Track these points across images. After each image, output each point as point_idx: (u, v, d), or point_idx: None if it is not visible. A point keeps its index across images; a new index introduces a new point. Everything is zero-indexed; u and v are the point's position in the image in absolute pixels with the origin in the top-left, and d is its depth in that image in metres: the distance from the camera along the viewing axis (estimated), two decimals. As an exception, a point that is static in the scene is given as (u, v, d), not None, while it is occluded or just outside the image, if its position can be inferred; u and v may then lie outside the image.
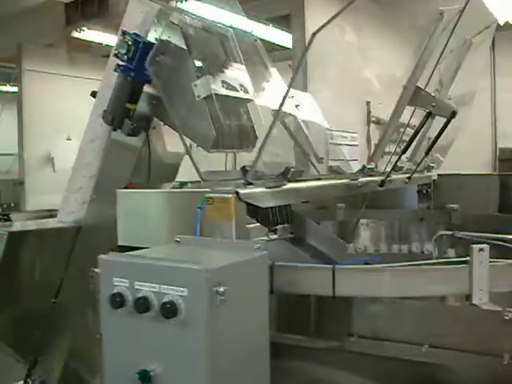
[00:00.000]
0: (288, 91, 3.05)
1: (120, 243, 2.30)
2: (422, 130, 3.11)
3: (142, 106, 3.58)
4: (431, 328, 1.94)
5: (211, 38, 3.82)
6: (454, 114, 3.14)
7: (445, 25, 2.69)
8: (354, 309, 2.04)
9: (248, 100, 3.56)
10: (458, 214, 3.98)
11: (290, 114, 3.08)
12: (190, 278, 1.56)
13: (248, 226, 1.98)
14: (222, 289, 1.55)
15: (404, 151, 2.87)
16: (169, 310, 1.57)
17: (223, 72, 3.59)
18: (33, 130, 8.15)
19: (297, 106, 3.14)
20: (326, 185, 2.65)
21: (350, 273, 1.96)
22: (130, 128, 3.62)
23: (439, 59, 3.07)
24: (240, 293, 1.67)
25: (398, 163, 3.30)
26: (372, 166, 3.55)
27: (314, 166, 2.99)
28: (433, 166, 4.19)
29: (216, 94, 3.37)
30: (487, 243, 2.35)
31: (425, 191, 4.20)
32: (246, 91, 3.56)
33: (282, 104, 3.20)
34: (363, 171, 3.51)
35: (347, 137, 6.39)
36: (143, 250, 1.87)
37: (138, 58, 3.52)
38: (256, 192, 2.02)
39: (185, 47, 3.49)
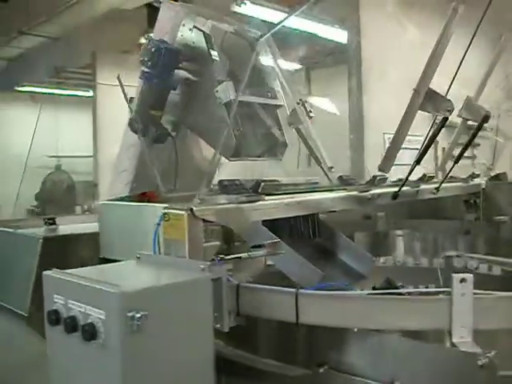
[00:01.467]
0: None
1: (101, 256, 2.26)
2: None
3: (169, 113, 3.59)
4: (402, 366, 1.72)
5: (240, 42, 3.73)
6: (486, 118, 2.84)
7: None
8: (328, 336, 1.86)
9: (277, 106, 3.43)
10: (507, 228, 3.61)
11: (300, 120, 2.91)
12: (106, 301, 1.47)
13: (205, 244, 1.87)
14: (138, 314, 1.45)
15: (418, 161, 2.62)
16: (88, 332, 1.49)
17: (251, 77, 3.49)
18: (106, 134, 8.46)
19: (309, 112, 2.97)
20: (313, 199, 2.45)
21: (314, 299, 1.78)
22: (154, 135, 3.63)
23: (462, 59, 2.80)
24: (169, 316, 1.56)
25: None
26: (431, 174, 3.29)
27: (326, 174, 2.81)
28: (478, 174, 3.82)
29: (238, 101, 3.29)
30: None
31: (472, 201, 3.84)
32: (275, 97, 3.44)
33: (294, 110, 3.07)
34: (423, 179, 3.26)
35: (411, 140, 6.07)
36: (88, 268, 1.82)
37: (161, 65, 3.51)
38: (216, 208, 1.90)
39: (210, 52, 3.44)
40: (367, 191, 2.65)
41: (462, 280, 1.65)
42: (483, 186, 3.85)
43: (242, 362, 1.98)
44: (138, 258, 1.91)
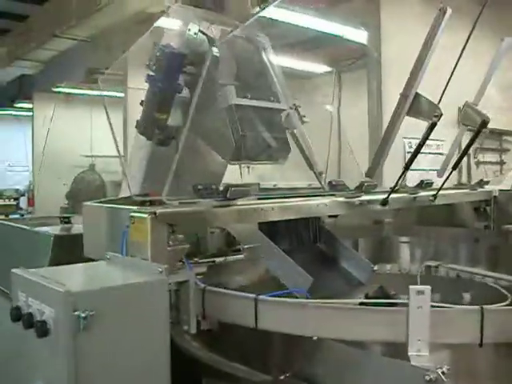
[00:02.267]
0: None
1: (85, 255, 2.32)
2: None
3: (174, 116, 3.63)
4: (358, 377, 1.70)
5: (246, 47, 3.74)
6: (484, 124, 2.77)
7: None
8: (289, 343, 1.85)
9: (280, 110, 3.43)
10: (516, 237, 3.50)
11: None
12: (55, 300, 1.51)
13: (169, 248, 1.89)
14: (84, 314, 1.48)
15: (407, 167, 2.57)
16: (41, 329, 1.53)
17: (255, 81, 3.50)
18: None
19: (303, 117, 2.95)
20: (293, 205, 2.43)
21: (272, 305, 1.78)
22: (158, 138, 3.69)
23: (457, 63, 2.73)
24: (122, 317, 1.59)
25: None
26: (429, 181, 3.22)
27: (318, 179, 2.79)
28: (487, 181, 3.72)
29: (239, 105, 3.30)
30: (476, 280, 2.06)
31: (482, 209, 3.73)
32: (278, 100, 3.43)
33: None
34: (421, 185, 3.20)
35: (431, 145, 5.93)
36: (56, 267, 1.88)
37: (165, 69, 3.56)
38: (180, 212, 1.91)
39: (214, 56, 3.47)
40: (356, 197, 2.62)
41: (419, 292, 1.61)
42: (495, 194, 3.74)
43: (212, 364, 1.99)
44: (108, 258, 1.95)
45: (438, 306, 1.66)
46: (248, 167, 6.24)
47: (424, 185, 3.05)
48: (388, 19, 5.61)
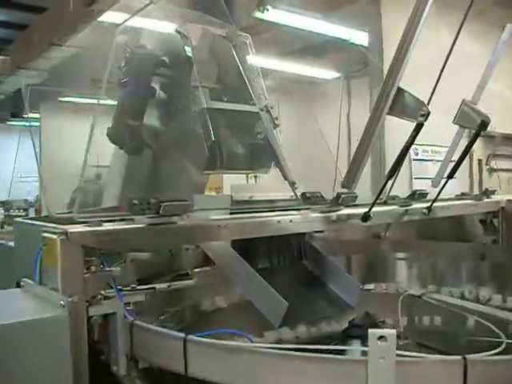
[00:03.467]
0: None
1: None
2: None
3: (147, 122, 3.35)
4: None
5: (223, 48, 3.43)
6: (484, 125, 2.42)
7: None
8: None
9: (257, 113, 3.11)
10: (526, 254, 3.11)
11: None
12: None
13: (86, 274, 1.57)
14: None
15: (390, 176, 2.22)
16: None
17: (234, 83, 3.20)
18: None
19: (275, 119, 2.63)
20: (246, 222, 2.09)
21: (204, 348, 1.44)
22: (130, 146, 3.41)
23: (447, 58, 2.39)
24: (13, 361, 1.28)
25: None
26: (423, 191, 2.87)
27: (293, 190, 2.46)
28: (494, 191, 3.34)
29: (212, 109, 3.01)
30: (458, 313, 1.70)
31: (489, 221, 3.35)
32: (254, 104, 3.12)
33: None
34: (413, 197, 2.86)
35: (439, 151, 5.54)
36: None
37: (136, 71, 3.29)
38: (99, 231, 1.59)
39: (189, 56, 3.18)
40: (333, 211, 2.28)
41: (381, 338, 1.27)
42: (503, 205, 3.36)
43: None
44: (22, 286, 1.65)
45: (406, 356, 1.29)
46: (255, 176, 5.93)
47: (417, 196, 2.69)
48: (390, 22, 5.26)
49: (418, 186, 4.61)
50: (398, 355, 1.25)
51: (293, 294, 2.66)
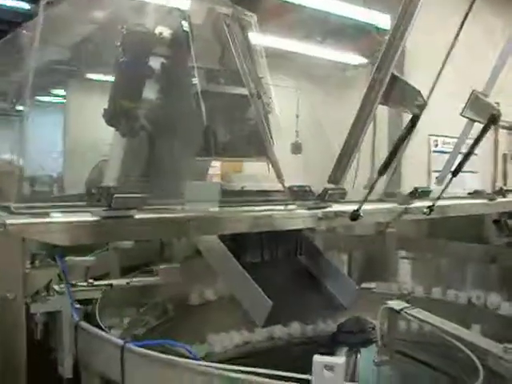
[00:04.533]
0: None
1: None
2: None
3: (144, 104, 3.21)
4: None
5: (230, 26, 3.26)
6: (494, 119, 2.21)
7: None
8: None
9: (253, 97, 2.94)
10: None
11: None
12: None
13: (27, 270, 1.44)
14: None
15: (381, 172, 2.03)
16: None
17: (235, 65, 3.03)
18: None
19: (268, 105, 2.44)
20: (218, 217, 1.91)
21: (141, 358, 1.30)
22: (125, 128, 3.28)
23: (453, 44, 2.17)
24: None
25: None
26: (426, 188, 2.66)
27: (281, 183, 2.27)
28: (510, 190, 3.09)
29: (208, 92, 2.85)
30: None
31: (503, 222, 3.12)
32: (250, 86, 2.94)
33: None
34: (415, 194, 2.65)
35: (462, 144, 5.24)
36: None
37: (132, 51, 3.15)
38: (43, 223, 1.45)
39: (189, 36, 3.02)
40: (320, 208, 2.10)
41: (328, 367, 1.10)
42: (518, 205, 3.12)
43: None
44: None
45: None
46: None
47: (419, 193, 2.48)
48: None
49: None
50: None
51: (284, 291, 2.52)
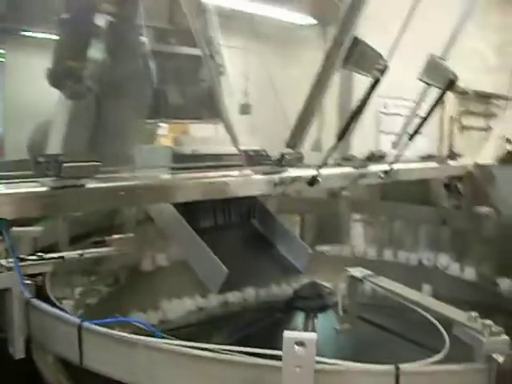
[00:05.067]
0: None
1: None
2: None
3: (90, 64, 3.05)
4: None
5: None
6: (451, 83, 2.20)
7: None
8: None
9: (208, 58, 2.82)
10: (490, 223, 2.95)
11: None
12: None
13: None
14: None
15: (340, 137, 2.00)
16: None
17: (184, 23, 2.90)
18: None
19: (220, 66, 2.36)
20: (170, 184, 1.85)
21: (99, 337, 1.24)
22: (72, 90, 3.12)
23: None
24: None
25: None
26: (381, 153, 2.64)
27: (237, 148, 2.20)
28: (460, 155, 3.14)
29: (157, 51, 2.74)
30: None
31: (454, 186, 3.17)
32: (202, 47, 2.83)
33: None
34: (371, 158, 2.64)
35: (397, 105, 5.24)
36: None
37: (77, 7, 2.99)
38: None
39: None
40: (276, 173, 2.06)
41: (300, 344, 1.06)
42: (469, 169, 3.17)
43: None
44: None
45: (327, 363, 1.09)
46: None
47: (375, 158, 2.47)
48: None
49: (386, 141, 4.40)
50: (318, 362, 1.06)
51: (237, 256, 2.49)
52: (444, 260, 3.02)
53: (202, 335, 2.43)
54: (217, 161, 2.70)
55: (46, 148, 3.01)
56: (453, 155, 3.09)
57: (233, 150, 2.83)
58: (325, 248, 3.28)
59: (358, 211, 3.37)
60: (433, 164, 2.97)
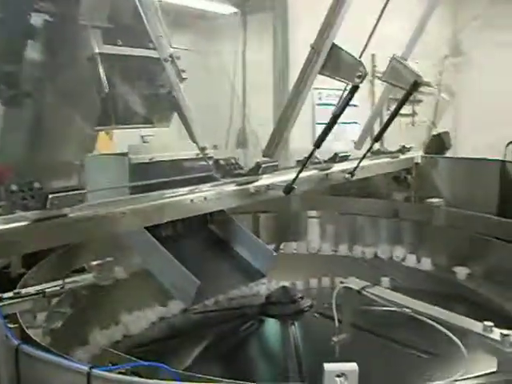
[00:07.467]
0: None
1: None
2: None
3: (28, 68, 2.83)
4: None
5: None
6: (416, 86, 2.23)
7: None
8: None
9: (157, 60, 2.69)
10: (441, 213, 3.05)
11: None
12: None
13: None
14: None
15: (318, 145, 1.97)
16: None
17: (131, 23, 2.75)
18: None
19: (181, 72, 2.25)
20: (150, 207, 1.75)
21: None
22: (7, 96, 2.89)
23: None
24: None
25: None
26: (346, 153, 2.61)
27: (204, 157, 2.11)
28: (409, 148, 3.22)
29: (105, 54, 2.58)
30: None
31: (403, 178, 3.25)
32: (156, 48, 2.70)
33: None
34: (335, 159, 2.61)
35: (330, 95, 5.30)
36: None
37: (11, 7, 2.75)
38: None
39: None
40: (250, 183, 2.00)
41: (341, 375, 1.02)
42: (417, 161, 3.26)
43: None
44: None
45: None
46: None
47: (338, 158, 2.48)
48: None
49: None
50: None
51: (202, 265, 2.41)
52: (399, 252, 3.09)
53: (171, 351, 2.34)
54: (178, 167, 2.60)
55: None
56: (402, 149, 3.16)
57: (191, 154, 2.74)
58: (280, 246, 3.28)
59: (311, 208, 3.38)
60: (386, 159, 3.03)
